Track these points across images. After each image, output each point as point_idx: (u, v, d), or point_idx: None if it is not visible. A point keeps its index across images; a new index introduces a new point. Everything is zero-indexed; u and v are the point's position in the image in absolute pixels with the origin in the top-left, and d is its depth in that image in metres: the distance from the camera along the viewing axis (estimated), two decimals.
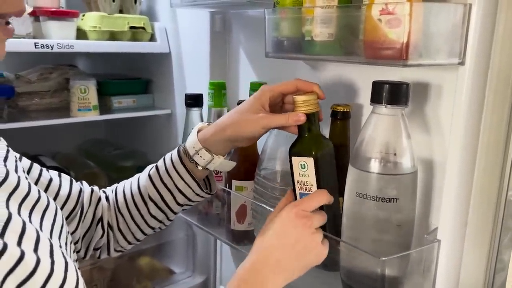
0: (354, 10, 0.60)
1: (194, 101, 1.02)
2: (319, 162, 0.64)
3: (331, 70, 0.82)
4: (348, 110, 0.74)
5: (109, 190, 0.76)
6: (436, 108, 0.67)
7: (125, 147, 1.49)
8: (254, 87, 0.96)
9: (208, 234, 1.06)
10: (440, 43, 0.57)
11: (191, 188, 0.69)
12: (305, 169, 0.65)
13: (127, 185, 0.74)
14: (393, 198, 0.61)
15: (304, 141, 0.66)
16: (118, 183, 1.37)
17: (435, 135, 0.67)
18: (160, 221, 0.72)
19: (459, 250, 0.64)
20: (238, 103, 0.89)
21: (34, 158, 1.24)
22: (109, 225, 0.72)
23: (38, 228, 0.46)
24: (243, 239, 0.89)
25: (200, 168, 0.68)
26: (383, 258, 0.58)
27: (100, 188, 1.31)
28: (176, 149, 0.71)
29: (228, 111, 0.99)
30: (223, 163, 0.70)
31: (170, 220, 0.74)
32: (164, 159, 0.72)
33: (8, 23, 0.45)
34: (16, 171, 0.52)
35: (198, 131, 0.70)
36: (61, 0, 1.23)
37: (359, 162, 0.63)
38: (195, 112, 1.03)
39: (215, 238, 1.24)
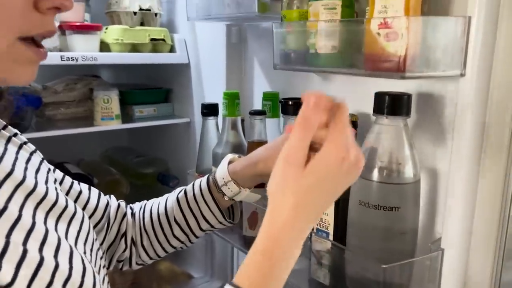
0: (355, 24, 0.61)
1: (209, 110, 1.06)
2: (340, 204, 0.67)
3: (339, 80, 0.83)
4: (355, 119, 0.76)
5: (137, 206, 0.78)
6: (439, 117, 0.68)
7: (146, 154, 1.54)
8: (267, 96, 0.98)
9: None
10: (440, 55, 0.58)
11: (215, 217, 0.72)
12: None
13: (155, 205, 0.76)
14: (395, 207, 0.62)
15: None
16: (139, 190, 1.42)
17: (439, 144, 0.68)
18: (182, 242, 0.75)
19: (464, 259, 0.65)
20: (250, 113, 0.93)
21: (59, 165, 1.31)
22: (133, 241, 0.74)
23: (63, 235, 0.50)
24: None
25: (226, 198, 0.71)
26: (384, 266, 0.59)
27: (122, 195, 1.37)
28: (206, 177, 0.74)
29: (241, 119, 1.02)
30: (249, 195, 0.72)
31: (192, 243, 0.76)
32: (193, 185, 0.74)
33: (41, 45, 0.46)
34: (46, 182, 0.55)
35: (229, 162, 0.72)
36: (86, 14, 1.30)
37: (362, 171, 0.65)
38: (211, 121, 1.07)
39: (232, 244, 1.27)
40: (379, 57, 0.57)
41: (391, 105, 0.62)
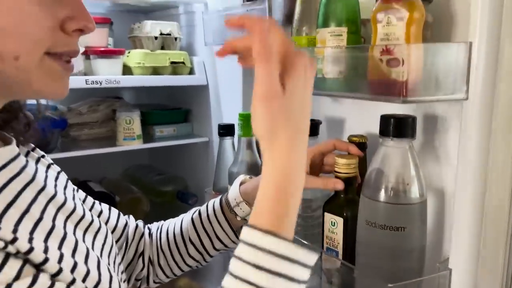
0: (359, 51, 0.64)
1: (226, 130, 1.10)
2: (349, 223, 0.69)
3: (349, 101, 0.86)
4: (364, 141, 0.78)
5: (154, 227, 0.81)
6: (445, 139, 0.69)
7: (166, 172, 1.58)
8: None
9: None
10: (442, 80, 0.60)
11: (228, 236, 0.75)
12: (334, 227, 0.71)
13: (171, 225, 0.79)
14: (401, 227, 0.63)
15: (339, 201, 0.71)
16: (159, 207, 1.46)
17: (445, 165, 0.70)
18: (197, 261, 0.78)
19: (473, 279, 0.65)
20: None
21: (83, 183, 1.36)
22: (150, 260, 0.77)
23: (90, 246, 0.55)
24: None
25: (239, 218, 0.73)
26: (390, 285, 0.60)
27: (143, 212, 1.41)
28: (219, 198, 0.77)
29: (256, 140, 1.05)
30: None
31: (206, 262, 0.79)
32: (207, 205, 0.77)
33: (68, 61, 0.50)
34: (73, 198, 0.60)
35: (241, 183, 0.75)
36: (109, 38, 1.37)
37: (369, 191, 0.67)
38: (227, 140, 1.11)
39: None
40: (382, 82, 0.60)
41: (397, 127, 0.64)
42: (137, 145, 1.31)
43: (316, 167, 0.74)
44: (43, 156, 0.62)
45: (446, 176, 0.70)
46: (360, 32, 0.71)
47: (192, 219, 0.76)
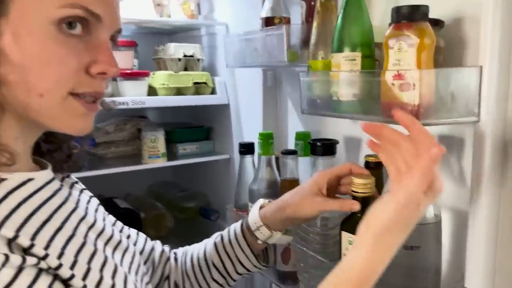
0: (372, 75, 0.67)
1: (246, 149, 1.13)
2: None
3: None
4: (379, 160, 0.79)
5: (180, 252, 0.83)
6: (460, 159, 0.71)
7: (189, 189, 1.62)
8: (299, 136, 1.04)
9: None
10: (453, 104, 0.62)
11: (249, 260, 0.77)
12: (351, 246, 0.72)
13: (196, 250, 0.81)
14: (415, 246, 0.65)
15: (356, 219, 0.73)
16: (182, 223, 1.50)
17: (461, 185, 0.71)
18: (221, 285, 0.80)
19: None
20: (282, 152, 0.99)
21: (109, 200, 1.41)
22: (176, 284, 0.79)
23: (118, 263, 0.58)
24: (287, 279, 0.95)
25: (259, 242, 0.76)
26: None
27: (167, 228, 1.45)
28: (240, 222, 0.79)
29: (276, 157, 1.08)
30: (281, 238, 0.77)
31: (230, 286, 0.81)
32: (229, 230, 0.80)
33: (93, 101, 0.52)
34: (103, 220, 0.64)
35: (260, 207, 0.77)
36: (134, 60, 1.43)
37: None
38: (248, 158, 1.14)
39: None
40: (394, 105, 0.62)
41: None
42: (161, 163, 1.35)
43: (332, 189, 0.76)
44: (76, 182, 0.66)
45: (462, 196, 0.71)
46: (374, 55, 0.73)
47: (215, 243, 0.78)
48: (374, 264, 0.53)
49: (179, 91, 1.36)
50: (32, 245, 0.44)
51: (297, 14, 1.00)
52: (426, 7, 0.61)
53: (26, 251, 0.44)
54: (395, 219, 0.54)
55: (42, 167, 0.56)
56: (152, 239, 0.80)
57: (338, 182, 0.77)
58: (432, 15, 0.67)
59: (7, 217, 0.44)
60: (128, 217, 1.35)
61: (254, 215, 0.76)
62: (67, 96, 0.49)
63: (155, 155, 1.35)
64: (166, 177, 1.73)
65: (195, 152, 1.49)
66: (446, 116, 0.63)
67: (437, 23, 0.67)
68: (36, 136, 0.55)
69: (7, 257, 0.41)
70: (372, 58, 0.73)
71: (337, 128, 0.96)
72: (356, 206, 0.71)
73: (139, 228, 1.39)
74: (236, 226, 0.79)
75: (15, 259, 0.42)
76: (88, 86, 0.50)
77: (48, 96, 0.48)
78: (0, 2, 0.45)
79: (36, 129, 0.54)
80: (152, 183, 1.70)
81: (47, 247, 0.46)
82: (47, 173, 0.54)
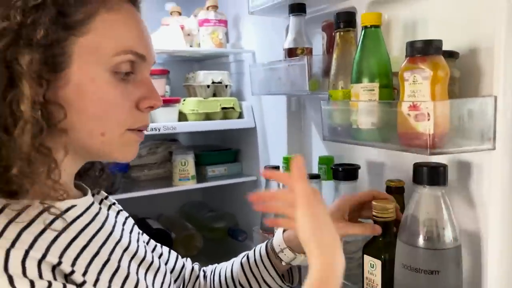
0: (389, 105, 0.70)
1: None
2: (387, 266, 0.73)
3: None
4: (401, 185, 0.82)
5: (209, 270, 0.87)
6: (479, 185, 0.72)
7: (218, 209, 1.67)
8: (322, 161, 1.07)
9: None
10: (469, 132, 0.64)
11: (274, 281, 0.80)
12: (373, 269, 0.75)
13: (223, 269, 0.85)
14: (435, 271, 0.66)
15: (378, 244, 0.76)
16: (211, 243, 1.54)
17: (480, 210, 0.72)
18: None
19: None
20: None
21: (142, 221, 1.47)
22: None
23: (150, 284, 0.62)
24: None
25: (284, 263, 0.79)
26: None
27: (196, 248, 1.49)
28: (265, 243, 0.83)
29: None
30: (304, 260, 0.79)
31: None
32: (254, 250, 0.83)
33: (141, 130, 0.59)
34: (137, 241, 0.69)
35: (284, 230, 0.81)
36: (166, 86, 1.51)
37: (404, 235, 0.70)
38: (273, 182, 1.17)
39: None
40: (410, 135, 0.65)
41: (429, 176, 0.68)
42: (191, 185, 1.41)
43: (355, 213, 0.79)
44: (114, 204, 0.71)
45: (481, 221, 0.72)
46: (392, 84, 0.76)
47: (241, 263, 0.82)
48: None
49: (208, 116, 1.42)
50: (72, 272, 0.49)
51: (319, 43, 1.05)
52: (440, 41, 0.64)
53: (66, 277, 0.49)
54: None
55: (82, 191, 0.62)
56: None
57: (361, 207, 0.80)
58: (447, 46, 0.70)
59: (52, 242, 0.49)
60: (160, 237, 1.41)
61: (278, 237, 0.79)
62: (125, 132, 0.55)
63: (185, 177, 1.40)
64: (196, 198, 1.79)
65: (223, 174, 1.54)
66: (462, 144, 0.65)
67: (452, 55, 0.70)
68: (81, 165, 0.61)
69: (50, 284, 0.45)
70: (390, 88, 0.76)
71: (359, 153, 0.98)
72: (378, 230, 0.74)
73: (170, 248, 1.44)
74: (261, 247, 0.82)
75: (57, 286, 0.46)
76: (140, 121, 0.57)
77: (109, 135, 0.54)
78: (64, 56, 0.50)
79: (85, 160, 0.60)
80: (183, 204, 1.75)
81: (84, 273, 0.50)
82: (87, 199, 0.60)
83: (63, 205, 0.53)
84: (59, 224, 0.51)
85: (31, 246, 0.46)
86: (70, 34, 0.50)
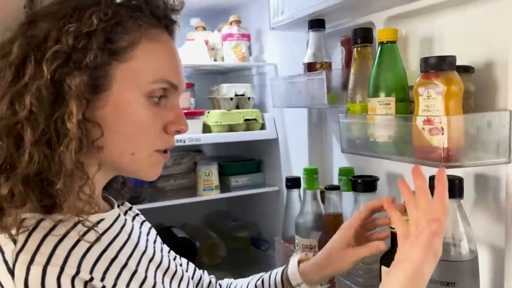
0: (404, 119, 0.71)
1: (292, 183, 1.19)
2: None
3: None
4: None
5: (224, 283, 0.89)
6: (496, 197, 0.73)
7: (241, 219, 1.70)
8: (342, 172, 1.09)
9: None
10: (483, 146, 0.65)
11: None
12: None
13: (239, 285, 0.87)
14: (451, 283, 0.67)
15: (394, 255, 0.77)
16: (234, 252, 1.57)
17: (498, 222, 0.72)
18: None
19: None
20: (325, 188, 1.04)
21: (167, 229, 1.52)
22: None
23: None
24: None
25: None
26: None
27: (220, 257, 1.53)
28: (281, 271, 0.84)
29: (321, 191, 1.13)
30: None
31: None
32: (269, 276, 0.85)
33: (166, 151, 0.63)
34: (161, 251, 0.72)
35: (299, 261, 0.82)
36: (191, 98, 1.55)
37: None
38: (294, 192, 1.20)
39: None
40: (425, 148, 0.66)
41: None
42: (215, 195, 1.45)
43: (361, 232, 0.79)
44: (137, 214, 0.75)
45: (500, 233, 0.72)
46: (409, 98, 0.78)
47: (255, 285, 0.83)
48: None
49: (231, 128, 1.46)
50: (103, 287, 0.51)
51: (338, 57, 1.07)
52: (453, 57, 0.66)
53: None
54: None
55: (109, 203, 0.66)
56: (206, 267, 0.87)
57: (364, 225, 0.79)
58: (463, 61, 0.72)
59: (83, 256, 0.51)
60: (185, 246, 1.45)
61: (293, 269, 0.81)
62: (152, 153, 0.60)
63: (209, 187, 1.44)
64: (219, 207, 1.82)
65: (246, 184, 1.57)
66: (477, 158, 0.66)
67: (467, 69, 0.71)
68: (109, 179, 0.65)
69: None
70: (407, 102, 0.77)
71: (379, 165, 1.00)
72: (382, 247, 0.74)
73: (195, 256, 1.48)
74: (276, 275, 0.83)
75: None
76: (167, 143, 0.61)
77: (138, 154, 0.58)
78: (106, 79, 0.55)
79: (112, 175, 0.64)
80: (207, 213, 1.79)
81: (114, 285, 0.53)
82: (114, 211, 0.64)
83: (94, 218, 0.56)
84: (91, 237, 0.54)
85: (65, 261, 0.49)
86: (113, 59, 0.55)
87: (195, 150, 1.66)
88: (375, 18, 0.95)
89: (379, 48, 0.78)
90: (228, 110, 1.47)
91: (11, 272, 0.47)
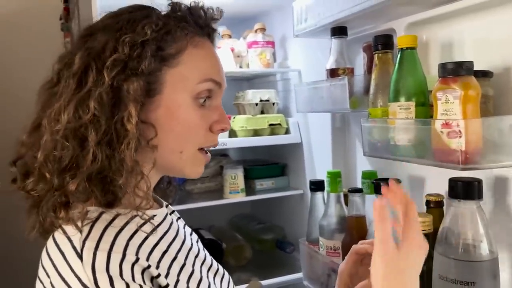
0: (423, 123, 0.74)
1: (316, 186, 1.22)
2: (425, 277, 0.76)
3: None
4: (440, 199, 0.85)
5: None
6: None
7: (266, 222, 1.73)
8: (365, 175, 1.11)
9: None
10: (501, 149, 0.67)
11: None
12: None
13: None
14: (471, 282, 0.69)
15: None
16: (259, 254, 1.60)
17: None
18: None
19: None
20: (348, 190, 1.06)
21: (195, 231, 1.56)
22: None
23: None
24: None
25: None
26: None
27: (246, 259, 1.56)
28: None
29: (345, 194, 1.15)
30: None
31: None
32: None
33: (209, 151, 0.68)
34: (203, 249, 0.76)
35: None
36: None
37: (440, 248, 0.73)
38: (318, 195, 1.22)
39: None
40: (444, 151, 0.68)
41: (464, 190, 0.71)
42: (241, 198, 1.49)
43: (366, 259, 0.76)
44: (179, 218, 0.80)
45: None
46: (428, 102, 0.80)
47: None
48: None
49: (256, 132, 1.50)
50: (158, 275, 0.56)
51: (361, 62, 1.09)
52: (470, 62, 0.68)
53: (152, 279, 0.55)
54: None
55: (158, 203, 0.71)
56: (232, 268, 0.90)
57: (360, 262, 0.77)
58: (482, 66, 0.74)
59: (140, 245, 0.56)
60: (212, 248, 1.49)
61: None
62: (196, 151, 0.64)
63: (235, 190, 1.49)
64: (245, 210, 1.86)
65: (271, 187, 1.61)
66: (496, 160, 0.68)
67: (486, 74, 0.73)
68: (158, 178, 0.69)
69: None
70: (427, 106, 0.80)
71: (401, 168, 1.01)
72: None
73: (221, 257, 1.52)
74: None
75: None
76: (211, 141, 0.66)
77: (185, 153, 0.63)
78: (157, 84, 0.60)
79: (161, 175, 0.69)
80: (233, 216, 1.83)
81: (166, 275, 0.57)
82: (163, 210, 0.69)
83: (148, 213, 0.61)
84: (147, 228, 0.58)
85: (125, 249, 0.54)
86: (164, 65, 0.61)
87: (222, 154, 1.71)
88: (396, 25, 0.97)
89: (399, 54, 0.81)
90: (253, 115, 1.51)
91: (80, 257, 0.52)
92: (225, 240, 1.58)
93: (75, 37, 1.38)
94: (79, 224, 0.54)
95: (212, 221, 1.75)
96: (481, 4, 0.77)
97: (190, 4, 0.66)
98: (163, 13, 0.64)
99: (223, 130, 0.67)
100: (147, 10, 0.63)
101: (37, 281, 0.57)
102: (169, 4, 0.65)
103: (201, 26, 0.65)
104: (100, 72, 0.57)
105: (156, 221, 0.63)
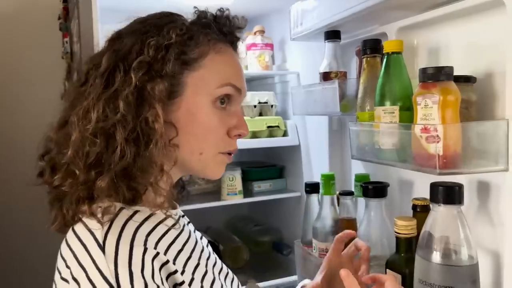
0: (404, 127, 0.74)
1: (311, 188, 1.22)
2: (407, 280, 0.77)
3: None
4: (426, 204, 0.85)
5: None
6: (497, 203, 0.74)
7: (263, 224, 1.74)
8: (358, 178, 1.11)
9: None
10: (481, 154, 0.67)
11: None
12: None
13: None
14: (450, 287, 0.69)
15: (400, 258, 0.80)
16: (256, 256, 1.61)
17: (497, 229, 0.73)
18: None
19: None
20: (340, 193, 1.07)
21: None
22: None
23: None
24: None
25: None
26: None
27: (243, 260, 1.57)
28: None
29: (337, 197, 1.15)
30: None
31: None
32: None
33: (230, 154, 0.69)
34: (213, 253, 0.78)
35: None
36: None
37: (421, 251, 0.74)
38: (313, 197, 1.23)
39: None
40: (423, 155, 0.69)
41: (444, 195, 0.71)
42: (238, 199, 1.50)
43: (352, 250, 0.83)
44: (189, 222, 0.81)
45: (499, 240, 0.73)
46: (413, 107, 0.80)
47: None
48: None
49: (254, 134, 1.51)
50: (175, 271, 0.58)
51: (354, 67, 1.10)
52: (450, 68, 0.68)
53: (169, 276, 0.57)
54: None
55: (173, 205, 0.72)
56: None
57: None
58: (467, 71, 0.74)
59: (159, 240, 0.58)
60: None
61: None
62: (217, 154, 0.66)
63: (232, 192, 1.50)
64: (242, 211, 1.87)
65: (269, 189, 1.62)
66: (476, 165, 0.68)
67: (468, 79, 0.73)
68: (178, 178, 0.71)
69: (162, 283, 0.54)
70: (411, 111, 0.80)
71: (393, 172, 1.02)
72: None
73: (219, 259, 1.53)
74: None
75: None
76: (230, 146, 0.67)
77: (205, 154, 0.65)
78: (179, 86, 0.62)
79: (181, 174, 0.70)
80: (230, 218, 1.85)
81: (182, 272, 0.59)
82: (178, 211, 0.71)
83: (162, 213, 0.62)
84: (161, 228, 0.60)
85: (145, 243, 0.55)
86: (185, 68, 0.63)
87: None
88: (388, 29, 0.97)
89: (385, 59, 0.81)
90: (251, 117, 1.52)
91: (102, 249, 0.54)
92: (222, 241, 1.59)
93: (75, 37, 1.40)
94: (102, 218, 0.56)
95: (209, 222, 1.77)
96: (467, 9, 0.78)
97: (216, 13, 0.68)
98: (189, 20, 0.67)
99: (240, 136, 0.68)
100: (173, 16, 0.66)
101: (56, 273, 0.57)
102: (195, 12, 0.67)
103: (225, 33, 0.67)
104: (127, 73, 0.60)
105: (172, 220, 0.64)
